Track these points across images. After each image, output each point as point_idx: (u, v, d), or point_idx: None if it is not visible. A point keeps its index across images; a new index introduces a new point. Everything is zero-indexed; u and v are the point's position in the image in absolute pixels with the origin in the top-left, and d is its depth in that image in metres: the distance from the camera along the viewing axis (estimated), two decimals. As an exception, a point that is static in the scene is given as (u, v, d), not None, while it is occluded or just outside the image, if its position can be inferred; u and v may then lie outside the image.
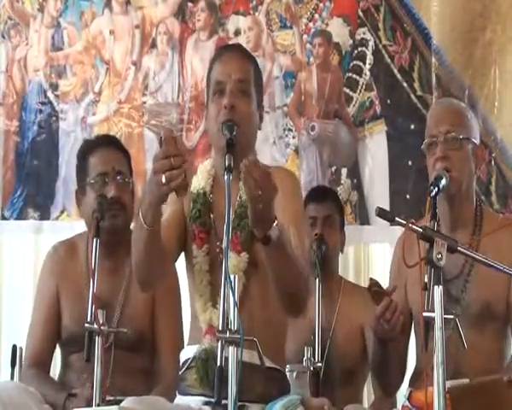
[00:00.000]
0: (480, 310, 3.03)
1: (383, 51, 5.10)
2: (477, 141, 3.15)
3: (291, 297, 2.72)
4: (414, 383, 3.11)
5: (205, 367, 2.78)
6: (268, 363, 2.71)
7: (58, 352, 3.52)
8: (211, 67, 2.95)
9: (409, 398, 3.10)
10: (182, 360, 2.92)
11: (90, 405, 3.00)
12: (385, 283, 3.38)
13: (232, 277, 2.47)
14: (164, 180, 2.46)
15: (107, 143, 3.54)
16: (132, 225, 3.51)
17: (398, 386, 3.26)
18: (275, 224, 2.54)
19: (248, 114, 2.86)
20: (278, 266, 2.63)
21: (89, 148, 3.50)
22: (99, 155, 3.43)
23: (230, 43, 5.05)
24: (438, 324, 2.48)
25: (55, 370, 3.59)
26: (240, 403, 2.50)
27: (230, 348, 2.45)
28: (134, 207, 3.51)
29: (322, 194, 4.09)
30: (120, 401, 2.76)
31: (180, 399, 2.88)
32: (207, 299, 2.84)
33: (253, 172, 2.48)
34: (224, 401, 2.43)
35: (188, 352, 2.90)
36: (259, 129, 2.97)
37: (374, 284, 2.87)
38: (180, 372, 2.91)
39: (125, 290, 3.38)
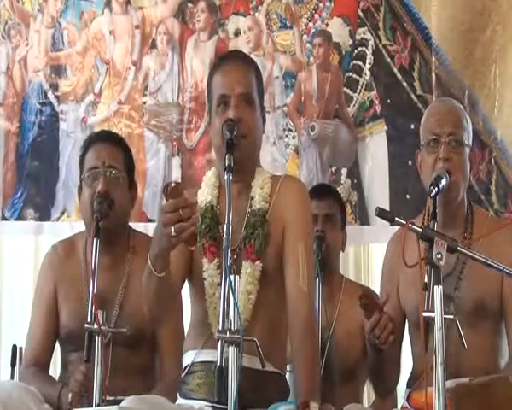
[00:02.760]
0: (474, 307, 3.03)
1: (383, 51, 5.10)
2: (470, 145, 3.16)
3: None
4: (412, 384, 3.10)
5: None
6: (269, 367, 2.71)
7: (58, 350, 3.52)
8: (211, 77, 2.94)
9: (408, 399, 3.10)
10: (184, 364, 2.92)
11: (82, 387, 3.01)
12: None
13: (232, 277, 2.48)
14: (173, 233, 2.47)
15: (103, 138, 3.52)
16: (131, 225, 3.54)
17: (392, 389, 3.27)
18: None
19: (254, 124, 2.88)
20: None
21: (86, 145, 3.49)
22: (93, 151, 3.42)
23: (230, 44, 5.06)
24: (438, 324, 2.48)
25: (56, 370, 3.59)
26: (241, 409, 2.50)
27: (230, 349, 2.45)
28: (132, 204, 3.50)
29: (323, 191, 4.07)
30: (120, 401, 2.76)
31: (181, 401, 2.88)
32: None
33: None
34: (224, 407, 2.44)
35: (189, 357, 2.90)
36: (263, 132, 2.98)
37: (364, 295, 2.86)
38: (182, 376, 2.91)
39: (124, 287, 3.38)
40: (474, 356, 2.95)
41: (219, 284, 2.83)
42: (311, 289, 2.85)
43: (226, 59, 3.05)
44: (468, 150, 3.12)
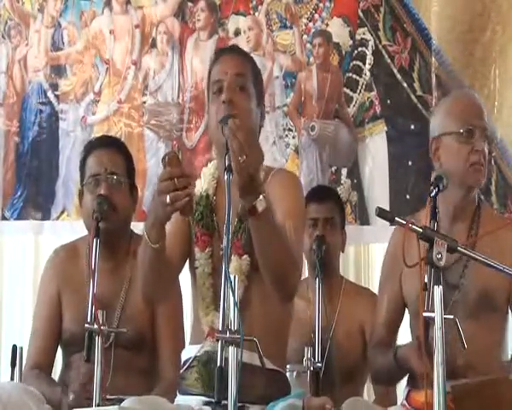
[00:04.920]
0: (479, 297, 3.02)
1: (383, 51, 5.10)
2: None
3: (279, 278, 2.68)
4: (412, 382, 3.11)
5: (206, 370, 2.78)
6: (268, 365, 2.70)
7: (59, 352, 3.52)
8: (209, 72, 2.94)
9: (407, 398, 3.10)
10: (183, 360, 2.93)
11: (83, 388, 3.02)
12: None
13: (232, 277, 2.47)
14: (168, 201, 2.48)
15: (104, 144, 3.54)
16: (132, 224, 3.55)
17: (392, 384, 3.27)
18: (262, 197, 2.53)
19: (247, 109, 2.84)
20: (265, 239, 2.61)
21: (87, 150, 3.51)
22: (94, 157, 3.44)
23: (230, 43, 5.06)
24: (438, 324, 2.48)
25: (56, 369, 3.59)
26: (240, 404, 2.50)
27: (230, 349, 2.45)
28: (133, 209, 3.51)
29: (322, 194, 4.07)
30: (122, 400, 2.76)
31: (180, 398, 2.88)
32: (210, 302, 2.84)
33: (237, 133, 2.47)
34: (224, 402, 2.43)
35: (189, 351, 2.90)
36: (261, 126, 2.96)
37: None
38: (181, 371, 2.91)
39: (125, 291, 3.39)
40: (475, 350, 2.91)
41: (210, 274, 2.84)
42: (300, 268, 2.80)
43: (222, 51, 3.06)
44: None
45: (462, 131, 3.08)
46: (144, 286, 2.81)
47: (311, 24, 5.16)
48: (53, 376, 3.51)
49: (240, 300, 2.72)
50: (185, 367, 2.89)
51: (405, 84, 5.07)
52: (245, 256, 2.81)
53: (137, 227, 3.62)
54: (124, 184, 3.43)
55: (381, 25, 5.11)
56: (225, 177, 2.60)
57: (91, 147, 3.51)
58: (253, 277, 2.81)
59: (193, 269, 2.91)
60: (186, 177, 2.50)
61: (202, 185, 2.94)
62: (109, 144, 3.54)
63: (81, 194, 3.49)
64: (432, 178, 2.96)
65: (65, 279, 3.46)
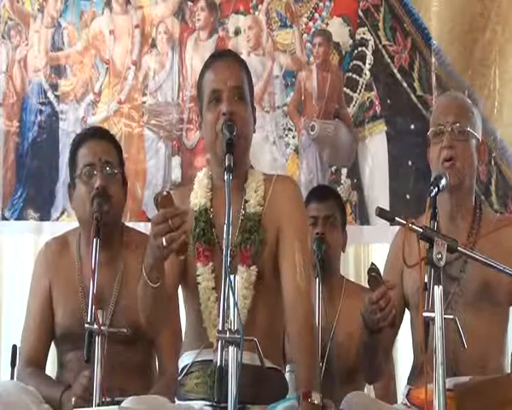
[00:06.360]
0: (479, 289, 3.02)
1: (383, 51, 5.11)
2: (480, 137, 3.18)
3: None
4: (412, 380, 3.11)
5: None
6: (268, 364, 2.71)
7: (55, 351, 3.51)
8: (202, 76, 2.94)
9: (407, 396, 3.10)
10: (180, 367, 2.92)
11: (86, 392, 3.01)
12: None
13: (232, 277, 2.48)
14: (165, 243, 2.48)
15: (95, 134, 3.52)
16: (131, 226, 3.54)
17: (379, 375, 3.22)
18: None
19: (246, 118, 2.87)
20: None
21: (78, 141, 3.49)
22: (86, 147, 3.42)
23: (230, 43, 5.08)
24: (438, 323, 2.48)
25: (54, 370, 3.59)
26: (240, 405, 2.50)
27: (230, 349, 2.45)
28: (125, 200, 3.50)
29: (323, 193, 4.07)
30: (120, 402, 2.76)
31: (180, 404, 2.88)
32: (217, 314, 2.81)
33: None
34: (224, 405, 2.44)
35: (185, 359, 2.90)
36: (254, 131, 2.97)
37: (374, 269, 2.81)
38: (178, 378, 2.91)
39: (119, 282, 3.37)
40: (474, 342, 2.88)
41: (214, 288, 2.83)
42: (309, 287, 2.84)
43: (217, 57, 3.04)
44: (474, 142, 3.14)
45: (431, 134, 3.13)
46: (147, 319, 2.82)
47: (311, 23, 5.17)
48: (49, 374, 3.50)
49: (248, 310, 2.76)
50: (183, 374, 2.88)
51: (405, 84, 5.07)
52: (253, 267, 2.83)
53: (137, 227, 3.63)
54: (117, 174, 3.41)
55: (380, 25, 5.12)
56: (225, 177, 2.62)
57: (82, 139, 3.48)
58: (259, 287, 2.83)
59: (191, 283, 2.89)
60: (180, 214, 2.49)
61: (199, 200, 2.92)
62: (100, 135, 3.52)
63: (71, 187, 3.46)
64: (432, 178, 2.97)
65: (55, 272, 3.43)
